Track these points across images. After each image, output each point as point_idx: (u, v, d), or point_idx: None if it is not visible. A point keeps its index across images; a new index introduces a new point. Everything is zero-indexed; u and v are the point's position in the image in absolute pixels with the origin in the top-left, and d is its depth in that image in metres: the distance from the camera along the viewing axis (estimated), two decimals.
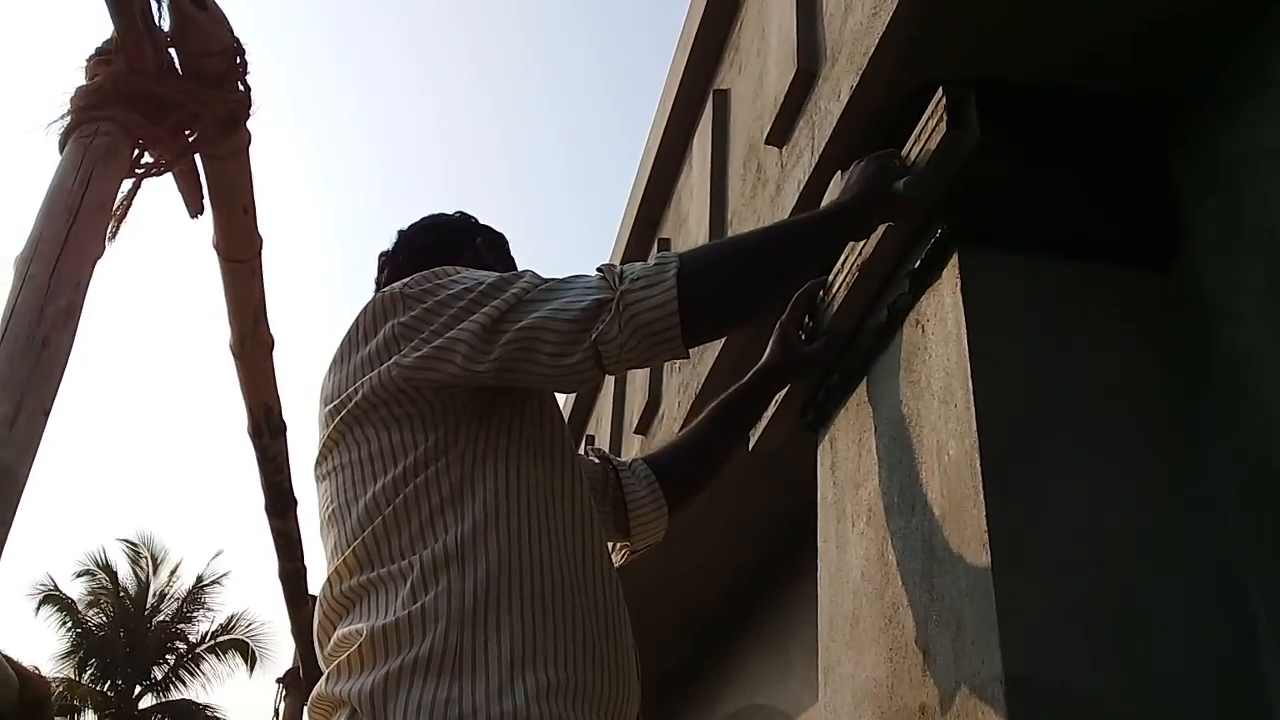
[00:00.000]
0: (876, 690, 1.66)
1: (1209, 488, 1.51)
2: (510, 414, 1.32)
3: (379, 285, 1.66)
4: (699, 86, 3.17)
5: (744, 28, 2.81)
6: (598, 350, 1.22)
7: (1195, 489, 1.51)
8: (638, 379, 3.82)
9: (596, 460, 1.76)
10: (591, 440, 4.74)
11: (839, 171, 1.78)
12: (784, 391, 2.13)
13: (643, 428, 3.70)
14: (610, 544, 1.60)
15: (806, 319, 1.88)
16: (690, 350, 1.28)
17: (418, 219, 1.72)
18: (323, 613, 1.30)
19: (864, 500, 1.84)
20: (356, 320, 1.38)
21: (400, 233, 1.70)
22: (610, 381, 4.37)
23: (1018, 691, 1.31)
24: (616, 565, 1.45)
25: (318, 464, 1.40)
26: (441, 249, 1.59)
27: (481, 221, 1.72)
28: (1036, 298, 1.62)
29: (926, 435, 1.63)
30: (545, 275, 1.32)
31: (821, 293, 1.87)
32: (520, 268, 1.54)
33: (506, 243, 1.72)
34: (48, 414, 1.26)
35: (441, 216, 1.72)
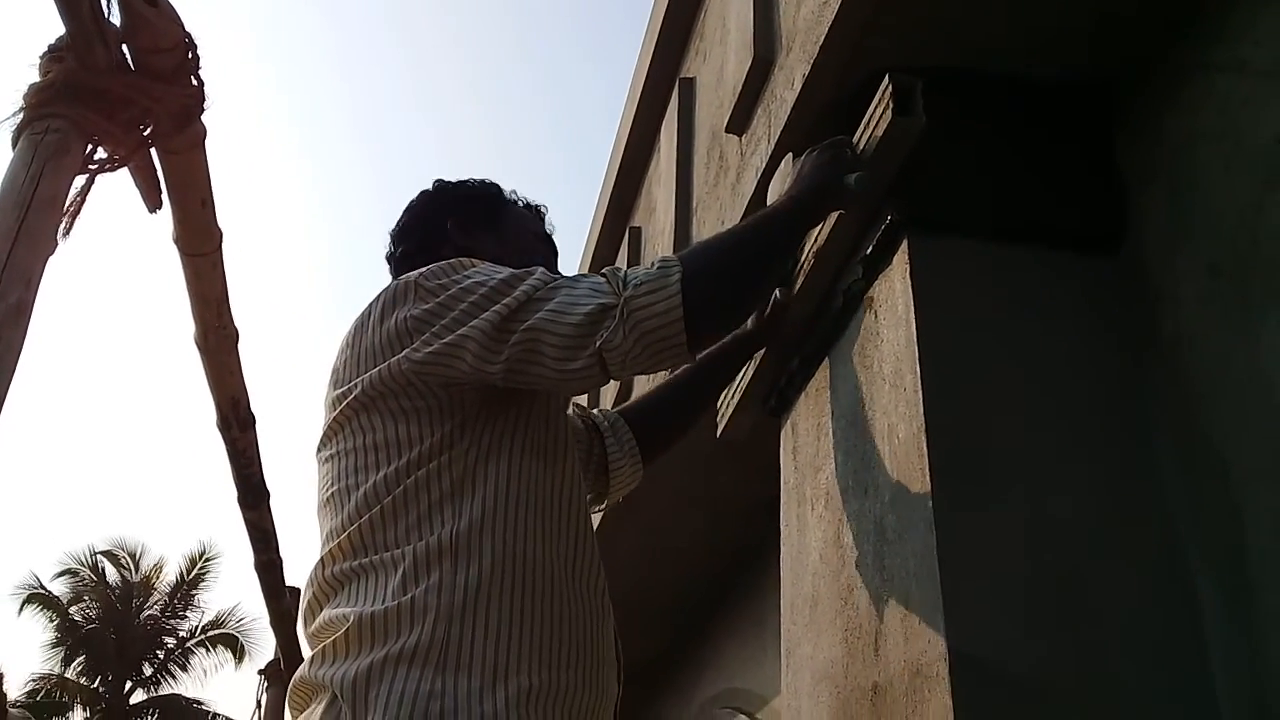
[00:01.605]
0: (833, 670, 1.69)
1: (1155, 469, 1.54)
2: (516, 414, 1.34)
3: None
4: (666, 75, 3.18)
5: (708, 15, 2.82)
6: (602, 356, 1.23)
7: (1141, 470, 1.54)
8: None
9: (582, 424, 1.77)
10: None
11: (789, 155, 1.79)
12: (748, 378, 2.16)
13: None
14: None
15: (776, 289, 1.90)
16: (692, 356, 1.29)
17: (399, 217, 1.70)
18: (312, 593, 1.32)
19: (822, 484, 1.86)
20: (371, 304, 1.39)
21: (390, 235, 1.69)
22: None
23: (962, 670, 1.34)
24: (593, 514, 1.48)
25: (320, 447, 1.42)
26: (425, 251, 1.59)
27: (460, 182, 1.69)
28: (986, 282, 1.64)
29: (879, 419, 1.66)
30: (553, 274, 1.32)
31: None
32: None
33: (489, 198, 1.67)
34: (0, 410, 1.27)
35: (414, 211, 1.69)
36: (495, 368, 1.27)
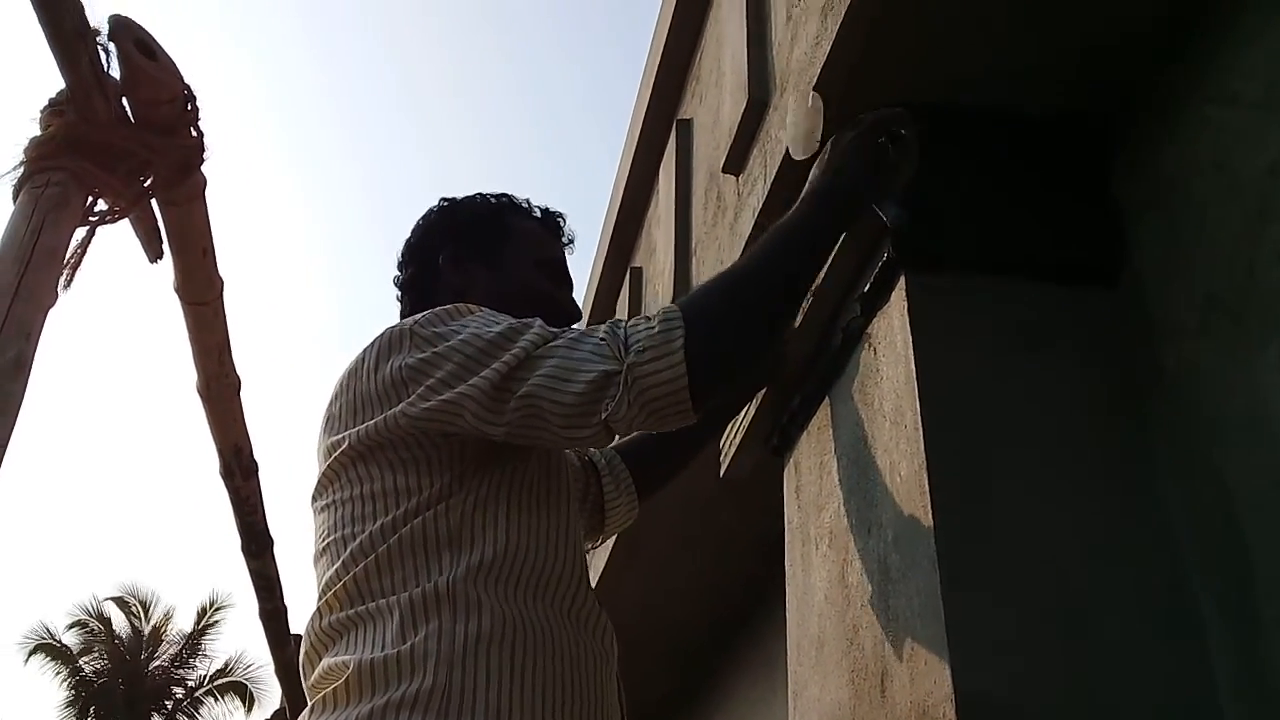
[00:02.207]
0: (840, 713, 1.67)
1: (1158, 503, 1.53)
2: (515, 464, 1.33)
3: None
4: (664, 116, 3.20)
5: (704, 58, 2.85)
6: (608, 426, 1.21)
7: (1144, 504, 1.53)
8: None
9: (578, 462, 1.74)
10: None
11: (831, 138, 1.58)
12: (749, 417, 2.16)
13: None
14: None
15: None
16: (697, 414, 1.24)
17: (418, 226, 1.63)
18: (309, 644, 1.30)
19: (826, 523, 1.85)
20: (365, 350, 1.37)
21: (398, 255, 1.64)
22: None
23: (968, 710, 1.32)
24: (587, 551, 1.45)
25: (315, 496, 1.40)
26: (420, 282, 1.58)
27: (462, 203, 1.61)
28: (984, 317, 1.64)
29: (880, 457, 1.65)
30: (553, 330, 1.28)
31: None
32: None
33: (490, 226, 1.58)
34: (0, 463, 1.27)
35: (416, 234, 1.62)
36: (498, 429, 1.25)
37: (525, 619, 1.22)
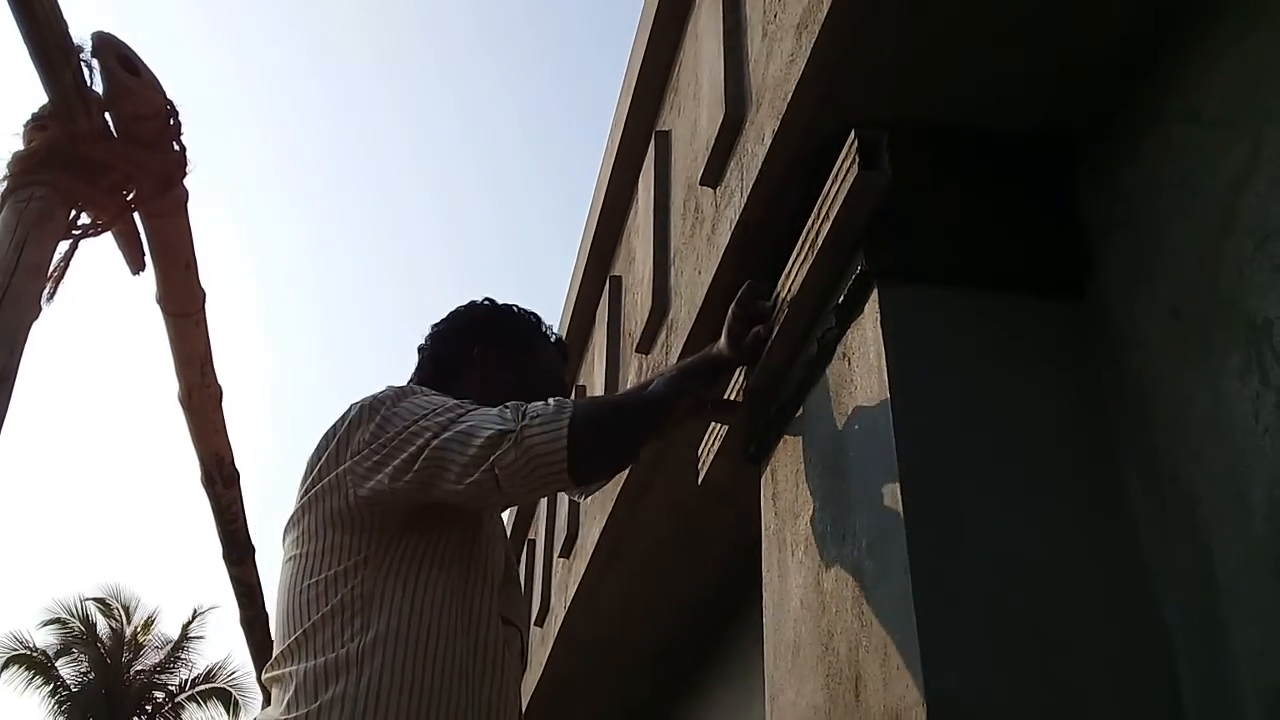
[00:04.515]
0: (815, 716, 1.70)
1: (1124, 510, 1.57)
2: (435, 533, 1.48)
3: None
4: (643, 128, 3.23)
5: (682, 71, 2.88)
6: (495, 473, 1.39)
7: (1111, 511, 1.57)
8: (561, 512, 4.17)
9: None
10: (532, 545, 5.13)
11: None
12: (727, 426, 2.19)
13: (565, 552, 3.98)
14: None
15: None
16: (578, 487, 1.47)
17: (437, 326, 1.83)
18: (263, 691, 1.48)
19: (802, 530, 1.88)
20: (344, 414, 1.54)
21: (428, 332, 1.82)
22: (542, 506, 4.85)
23: (940, 713, 1.35)
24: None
25: (283, 540, 1.55)
26: (445, 363, 1.76)
27: (504, 309, 1.82)
28: (955, 329, 1.68)
29: (854, 464, 1.68)
30: (468, 407, 1.49)
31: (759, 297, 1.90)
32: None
33: (525, 339, 1.81)
34: None
35: (454, 322, 1.82)
36: (404, 484, 1.42)
37: (423, 671, 1.38)
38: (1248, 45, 1.48)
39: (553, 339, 1.86)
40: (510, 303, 1.84)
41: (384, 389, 1.57)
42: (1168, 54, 1.64)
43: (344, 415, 1.54)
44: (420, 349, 1.81)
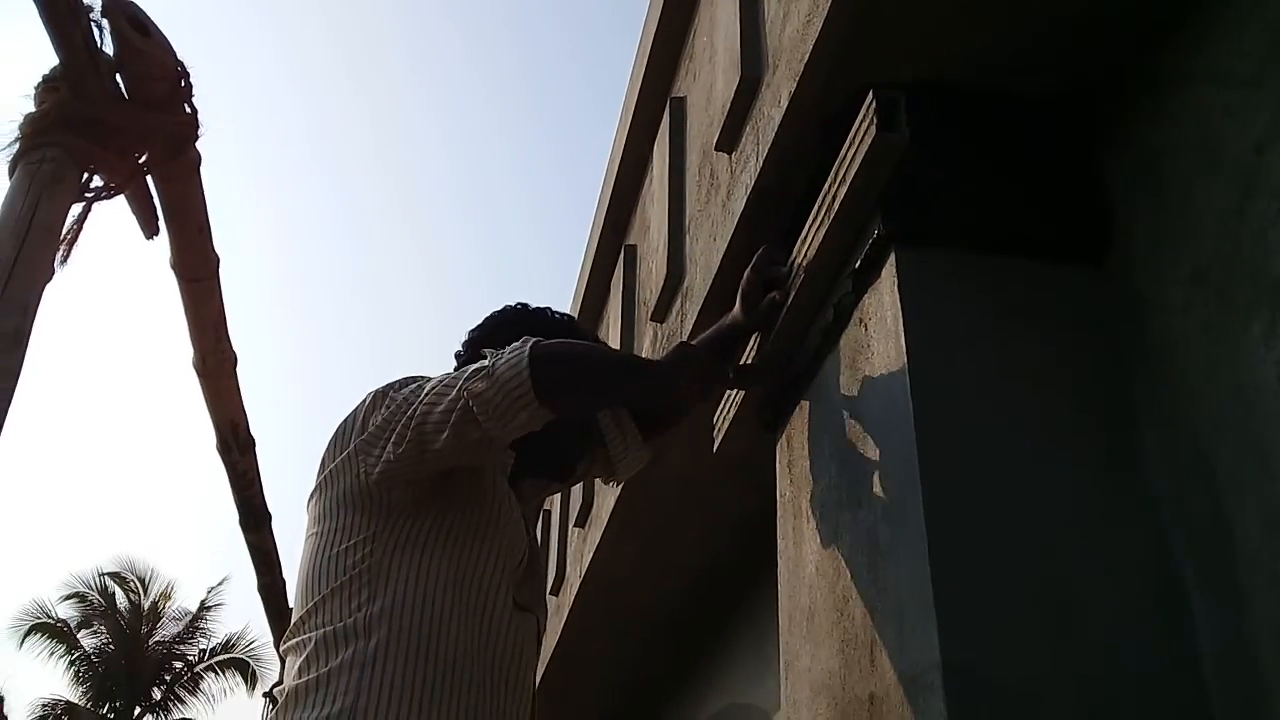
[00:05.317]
0: (830, 682, 1.70)
1: (1143, 475, 1.55)
2: (444, 513, 1.51)
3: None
4: (658, 94, 3.20)
5: (697, 35, 2.85)
6: (470, 405, 1.42)
7: (1129, 477, 1.55)
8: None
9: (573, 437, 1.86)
10: (548, 515, 5.09)
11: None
12: (743, 394, 2.17)
13: (580, 521, 3.98)
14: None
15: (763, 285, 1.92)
16: (547, 412, 1.44)
17: (473, 331, 1.86)
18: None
19: (817, 496, 1.87)
20: (361, 401, 1.58)
21: (465, 338, 1.86)
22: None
23: (955, 679, 1.34)
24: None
25: (306, 518, 1.61)
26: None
27: (540, 309, 1.86)
28: (973, 294, 1.66)
29: (871, 430, 1.67)
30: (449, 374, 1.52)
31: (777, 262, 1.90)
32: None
33: (551, 330, 1.80)
34: None
35: (492, 325, 1.84)
36: (405, 450, 1.45)
37: (433, 642, 1.42)
38: (1274, 5, 1.45)
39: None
40: (544, 305, 1.87)
41: (399, 378, 1.61)
42: (1191, 14, 1.61)
43: (360, 402, 1.59)
44: (457, 355, 1.84)
